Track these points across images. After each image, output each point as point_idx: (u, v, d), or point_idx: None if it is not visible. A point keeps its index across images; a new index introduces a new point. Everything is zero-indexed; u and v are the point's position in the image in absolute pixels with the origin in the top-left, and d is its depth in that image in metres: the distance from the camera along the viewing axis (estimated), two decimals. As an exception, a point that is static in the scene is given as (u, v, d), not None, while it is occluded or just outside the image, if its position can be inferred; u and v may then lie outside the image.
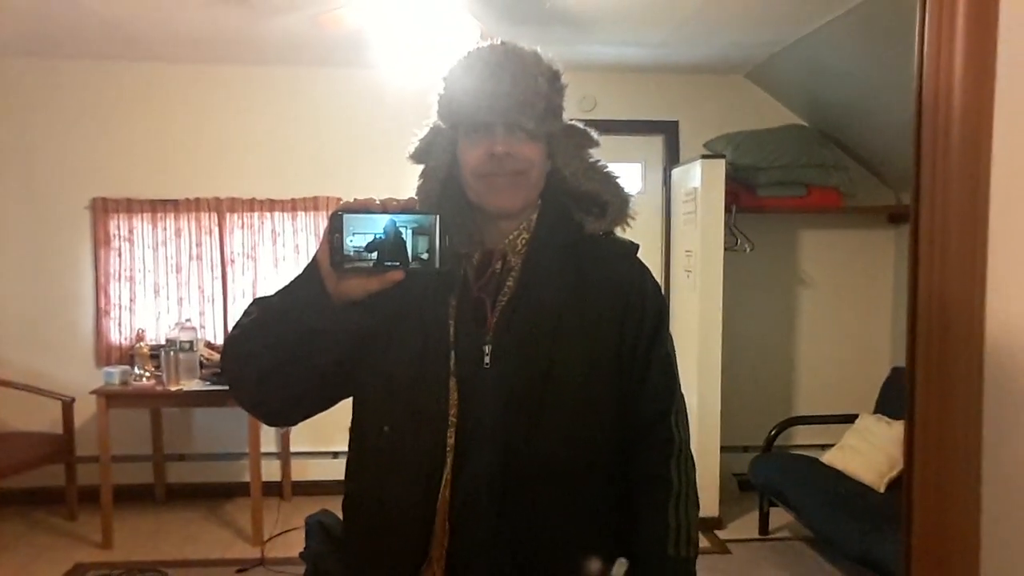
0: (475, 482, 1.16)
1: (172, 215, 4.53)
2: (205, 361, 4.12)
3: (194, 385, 3.98)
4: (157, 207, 4.51)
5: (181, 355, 4.00)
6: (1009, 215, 1.17)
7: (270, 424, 1.46)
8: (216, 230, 4.56)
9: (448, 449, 1.17)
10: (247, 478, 4.06)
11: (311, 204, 4.58)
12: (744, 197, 4.37)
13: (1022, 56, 1.15)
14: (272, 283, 4.55)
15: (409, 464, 1.17)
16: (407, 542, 1.18)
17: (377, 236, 1.07)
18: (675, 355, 1.33)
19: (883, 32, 3.50)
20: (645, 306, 1.27)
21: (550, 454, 1.17)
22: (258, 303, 1.19)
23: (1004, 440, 1.20)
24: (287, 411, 1.24)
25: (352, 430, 1.27)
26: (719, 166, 4.11)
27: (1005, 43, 1.16)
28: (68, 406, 4.22)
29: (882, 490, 3.57)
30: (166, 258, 4.56)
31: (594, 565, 1.21)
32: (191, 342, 4.06)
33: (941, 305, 1.24)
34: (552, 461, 1.17)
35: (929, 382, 1.27)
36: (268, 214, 4.59)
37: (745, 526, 4.25)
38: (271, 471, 4.53)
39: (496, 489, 1.15)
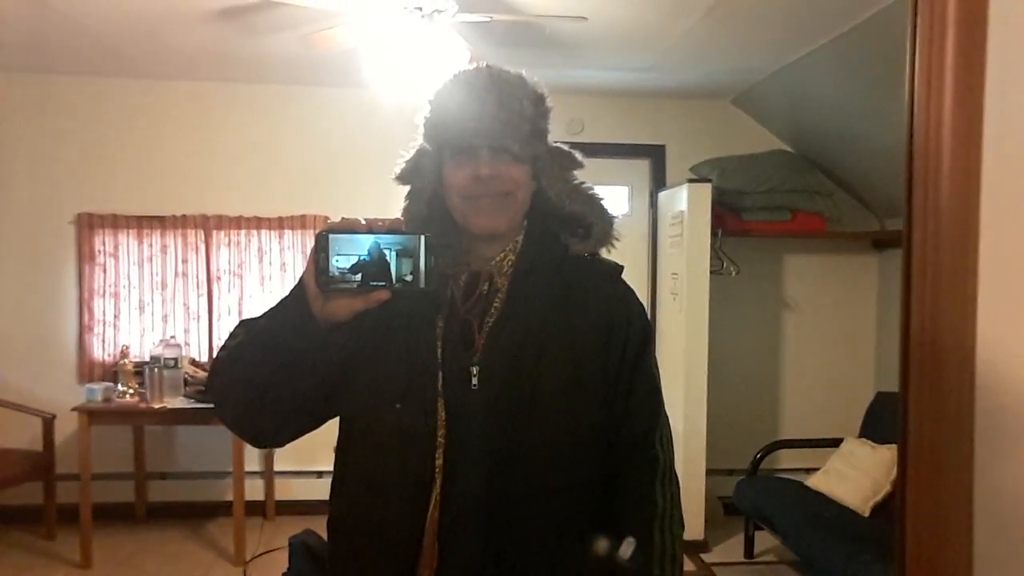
0: (463, 503, 1.16)
1: (158, 231, 4.52)
2: (189, 378, 4.09)
3: (178, 403, 3.95)
4: (143, 223, 4.50)
5: (165, 372, 3.98)
6: (998, 242, 1.19)
7: (258, 446, 1.44)
8: (202, 247, 4.55)
9: (436, 470, 1.16)
10: (230, 497, 4.02)
11: (298, 222, 4.58)
12: (730, 221, 4.41)
13: (1008, 88, 1.18)
14: (258, 301, 4.55)
15: (396, 485, 1.17)
16: (395, 563, 1.17)
17: (361, 258, 1.06)
18: (659, 375, 1.33)
19: (866, 61, 3.56)
20: (630, 327, 1.27)
21: (538, 474, 1.17)
22: (244, 325, 1.19)
23: (996, 466, 1.21)
24: (274, 432, 1.24)
25: (338, 450, 1.26)
26: (705, 190, 4.15)
27: (992, 77, 1.19)
28: (48, 423, 4.17)
29: (867, 514, 3.57)
30: (151, 274, 4.55)
31: (597, 552, 1.20)
32: (175, 359, 4.04)
33: (933, 331, 1.25)
34: (540, 481, 1.17)
35: (921, 408, 1.28)
36: (255, 231, 4.59)
37: (730, 549, 4.24)
38: (254, 490, 4.50)
39: (484, 509, 1.15)
